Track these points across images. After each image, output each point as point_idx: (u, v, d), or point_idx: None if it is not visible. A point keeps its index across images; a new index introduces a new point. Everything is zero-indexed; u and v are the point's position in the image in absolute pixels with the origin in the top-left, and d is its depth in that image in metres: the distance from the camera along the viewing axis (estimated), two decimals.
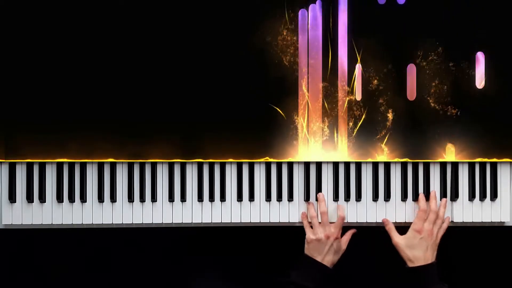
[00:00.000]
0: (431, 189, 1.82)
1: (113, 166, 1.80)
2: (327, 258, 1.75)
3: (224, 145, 1.78)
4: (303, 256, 1.77)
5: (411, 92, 1.81)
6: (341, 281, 1.77)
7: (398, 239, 1.77)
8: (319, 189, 1.81)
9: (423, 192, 1.82)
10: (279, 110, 1.79)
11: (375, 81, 1.80)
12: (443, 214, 1.80)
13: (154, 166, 1.80)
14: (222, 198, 1.81)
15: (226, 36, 1.78)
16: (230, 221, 1.81)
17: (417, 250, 1.74)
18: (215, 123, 1.78)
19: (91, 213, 1.79)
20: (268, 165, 1.82)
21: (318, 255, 1.75)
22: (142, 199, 1.79)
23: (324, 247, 1.76)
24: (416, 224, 1.76)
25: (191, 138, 1.78)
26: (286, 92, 1.79)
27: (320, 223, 1.78)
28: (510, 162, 1.83)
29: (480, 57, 1.80)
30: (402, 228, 1.79)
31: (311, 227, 1.79)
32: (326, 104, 1.80)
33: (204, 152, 1.78)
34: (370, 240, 1.89)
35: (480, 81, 1.80)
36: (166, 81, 1.77)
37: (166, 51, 1.77)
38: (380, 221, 1.81)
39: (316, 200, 1.81)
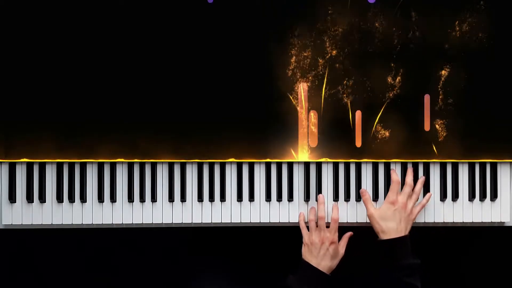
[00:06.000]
0: (431, 189, 1.82)
1: (113, 166, 1.79)
2: (323, 263, 1.74)
3: (224, 145, 1.78)
4: (301, 260, 1.77)
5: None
6: (339, 286, 1.77)
7: (372, 210, 1.76)
8: (319, 189, 1.81)
9: (423, 192, 1.81)
10: (279, 109, 1.79)
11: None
12: (419, 190, 1.79)
13: (154, 166, 1.80)
14: (222, 198, 1.81)
15: (227, 36, 1.78)
16: (230, 221, 1.81)
17: (390, 222, 1.73)
18: (215, 123, 1.78)
19: (91, 213, 1.79)
20: (268, 165, 1.82)
21: (313, 259, 1.75)
22: (142, 199, 1.79)
23: (319, 251, 1.75)
24: (389, 197, 1.76)
25: (191, 138, 1.78)
26: (287, 92, 1.79)
27: (317, 227, 1.78)
28: (510, 162, 1.83)
29: None
30: None
31: (308, 228, 1.79)
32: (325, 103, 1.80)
33: (204, 152, 1.78)
34: (370, 240, 1.89)
35: None
36: (166, 81, 1.77)
37: (166, 51, 1.77)
38: None
39: (316, 201, 1.81)
